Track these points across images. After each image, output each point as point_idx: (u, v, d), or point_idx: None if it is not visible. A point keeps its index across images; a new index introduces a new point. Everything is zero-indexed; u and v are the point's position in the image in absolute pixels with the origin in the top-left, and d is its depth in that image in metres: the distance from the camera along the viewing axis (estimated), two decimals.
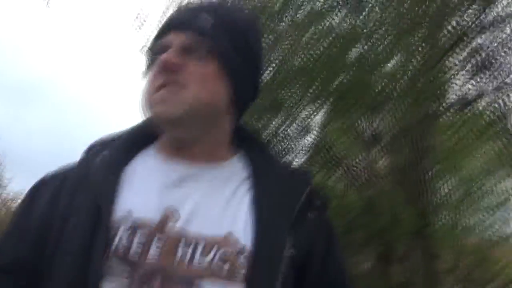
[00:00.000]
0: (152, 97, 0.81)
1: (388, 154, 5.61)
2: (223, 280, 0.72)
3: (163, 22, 0.87)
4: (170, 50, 0.79)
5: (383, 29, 4.27)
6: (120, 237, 0.74)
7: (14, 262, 0.80)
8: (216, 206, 0.78)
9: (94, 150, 0.87)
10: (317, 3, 4.57)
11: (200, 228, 0.75)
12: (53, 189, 0.84)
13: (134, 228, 0.75)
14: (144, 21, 4.50)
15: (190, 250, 0.73)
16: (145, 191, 0.79)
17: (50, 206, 0.81)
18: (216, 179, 0.82)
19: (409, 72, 4.20)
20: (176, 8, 0.97)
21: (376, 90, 3.94)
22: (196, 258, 0.73)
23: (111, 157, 0.83)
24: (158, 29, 0.87)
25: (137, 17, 4.60)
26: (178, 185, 0.80)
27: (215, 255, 0.73)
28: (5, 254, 0.82)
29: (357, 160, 5.94)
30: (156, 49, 0.83)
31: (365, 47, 4.07)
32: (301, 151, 5.88)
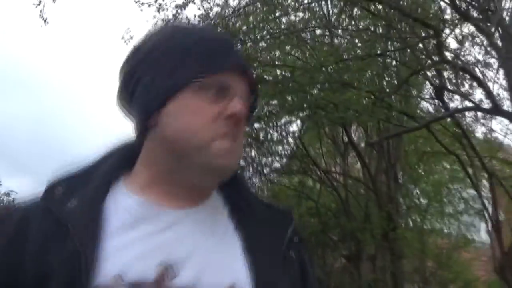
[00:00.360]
0: (216, 145, 0.70)
1: (361, 161, 6.02)
2: None
3: (211, 50, 0.74)
4: (239, 100, 0.71)
5: (354, 53, 4.75)
6: None
7: None
8: (210, 254, 0.70)
9: (59, 192, 0.73)
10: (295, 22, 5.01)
11: (200, 283, 0.67)
12: (11, 233, 0.69)
13: None
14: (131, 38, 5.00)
15: None
16: (132, 247, 0.67)
17: (8, 255, 0.67)
18: (204, 222, 0.74)
19: (377, 92, 4.65)
20: (217, 39, 0.79)
21: (347, 105, 4.34)
22: None
23: (86, 211, 0.69)
24: (203, 53, 0.73)
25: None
26: (166, 234, 0.70)
27: None
28: None
29: (332, 166, 6.38)
30: (212, 80, 0.71)
31: (339, 65, 4.48)
32: (280, 156, 6.32)
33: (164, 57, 0.73)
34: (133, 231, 0.69)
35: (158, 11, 4.84)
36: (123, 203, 0.72)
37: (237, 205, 0.78)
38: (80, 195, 0.71)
